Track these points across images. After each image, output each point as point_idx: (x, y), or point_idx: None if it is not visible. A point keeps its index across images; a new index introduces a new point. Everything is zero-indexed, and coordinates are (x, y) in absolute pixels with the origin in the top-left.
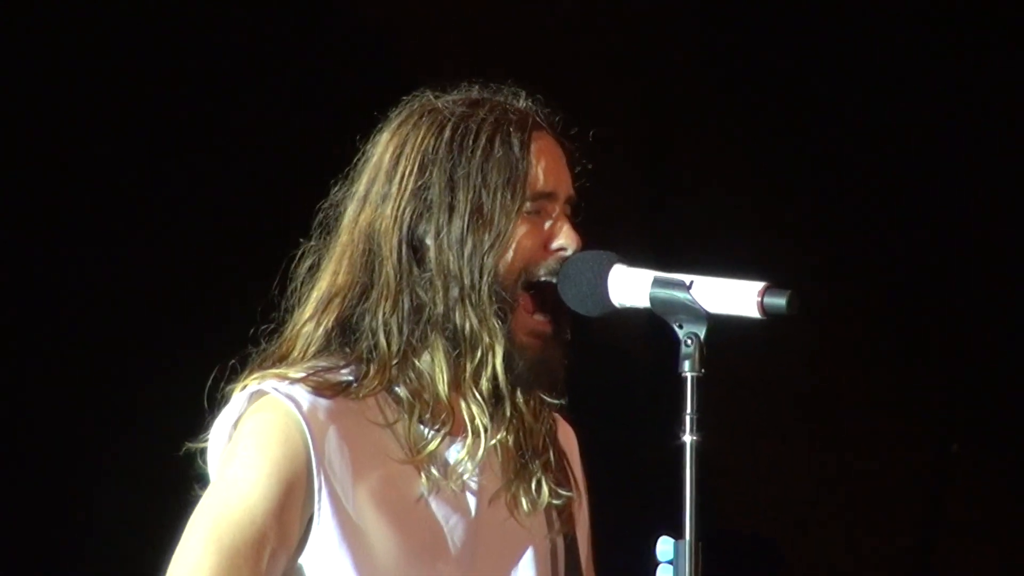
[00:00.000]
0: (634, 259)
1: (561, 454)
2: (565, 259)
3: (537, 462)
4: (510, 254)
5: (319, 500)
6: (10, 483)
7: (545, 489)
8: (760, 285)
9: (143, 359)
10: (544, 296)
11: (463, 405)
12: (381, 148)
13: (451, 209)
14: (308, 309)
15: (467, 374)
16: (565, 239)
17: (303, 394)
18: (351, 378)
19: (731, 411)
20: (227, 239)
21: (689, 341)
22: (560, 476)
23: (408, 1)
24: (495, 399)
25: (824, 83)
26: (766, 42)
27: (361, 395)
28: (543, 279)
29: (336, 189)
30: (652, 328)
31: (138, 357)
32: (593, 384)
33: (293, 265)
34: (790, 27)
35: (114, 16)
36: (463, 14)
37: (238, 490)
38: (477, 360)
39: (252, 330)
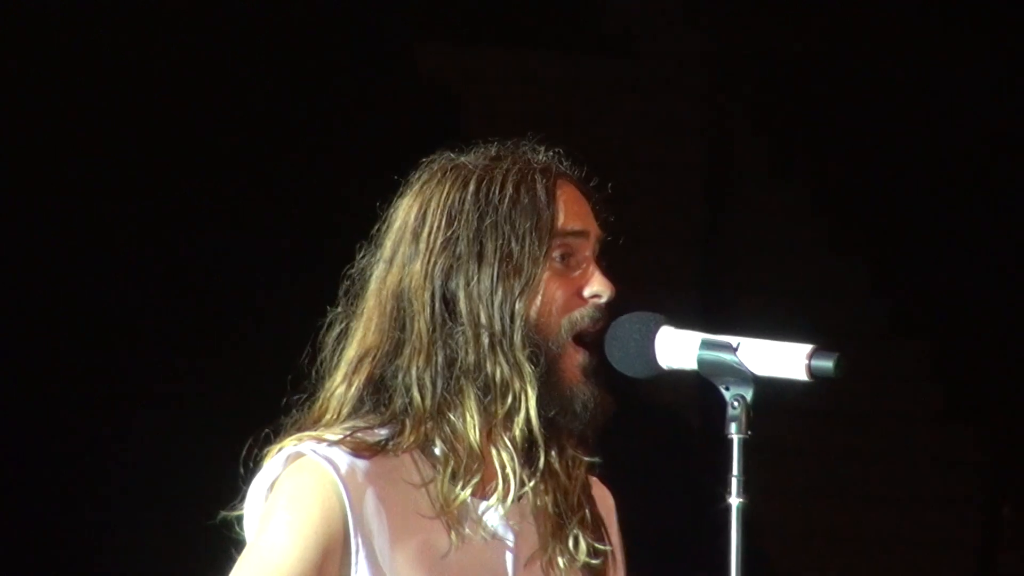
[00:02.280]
0: (685, 320)
1: (598, 518)
2: (602, 306)
3: (574, 520)
4: (540, 300)
5: (356, 563)
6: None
7: (583, 545)
8: (808, 348)
9: (179, 431)
10: (592, 348)
11: (494, 453)
12: (404, 210)
13: (480, 259)
14: (339, 373)
15: (498, 420)
16: (599, 286)
17: (341, 456)
18: (387, 436)
19: (780, 473)
20: (257, 308)
21: (736, 403)
22: (596, 536)
23: (468, 61)
24: (528, 447)
25: (883, 147)
26: (823, 107)
27: (398, 453)
28: (591, 330)
29: (361, 255)
30: (701, 389)
31: (174, 429)
32: (640, 446)
33: (322, 333)
34: (849, 91)
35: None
36: (519, 72)
37: (275, 553)
38: (508, 406)
39: (284, 400)
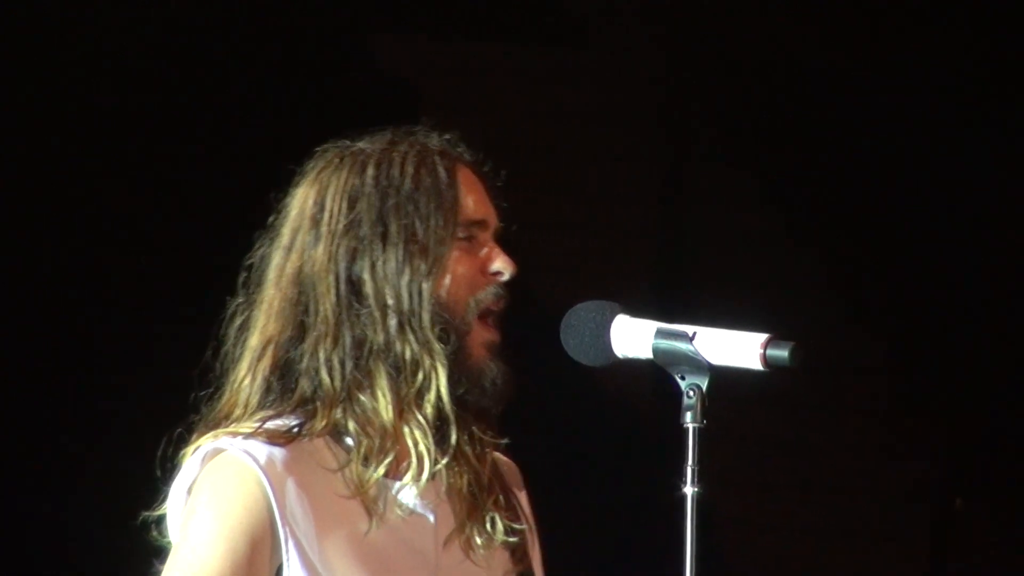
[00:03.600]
0: (641, 310)
1: (510, 493)
2: (504, 284)
3: (488, 500)
4: (448, 280)
5: (286, 551)
6: None
7: (500, 526)
8: (763, 337)
9: (89, 436)
10: (497, 321)
11: (406, 431)
12: (301, 199)
13: (384, 240)
14: (243, 364)
15: (410, 398)
16: (501, 264)
17: (258, 447)
18: (298, 423)
19: (733, 463)
20: (159, 303)
21: (691, 392)
22: (511, 514)
23: (422, 53)
24: (440, 424)
25: (838, 139)
26: (779, 98)
27: (312, 439)
28: (495, 308)
29: (258, 246)
30: (656, 378)
31: (84, 434)
32: (595, 434)
33: (223, 325)
34: (805, 81)
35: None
36: (473, 63)
37: (203, 549)
38: (419, 384)
39: (192, 396)
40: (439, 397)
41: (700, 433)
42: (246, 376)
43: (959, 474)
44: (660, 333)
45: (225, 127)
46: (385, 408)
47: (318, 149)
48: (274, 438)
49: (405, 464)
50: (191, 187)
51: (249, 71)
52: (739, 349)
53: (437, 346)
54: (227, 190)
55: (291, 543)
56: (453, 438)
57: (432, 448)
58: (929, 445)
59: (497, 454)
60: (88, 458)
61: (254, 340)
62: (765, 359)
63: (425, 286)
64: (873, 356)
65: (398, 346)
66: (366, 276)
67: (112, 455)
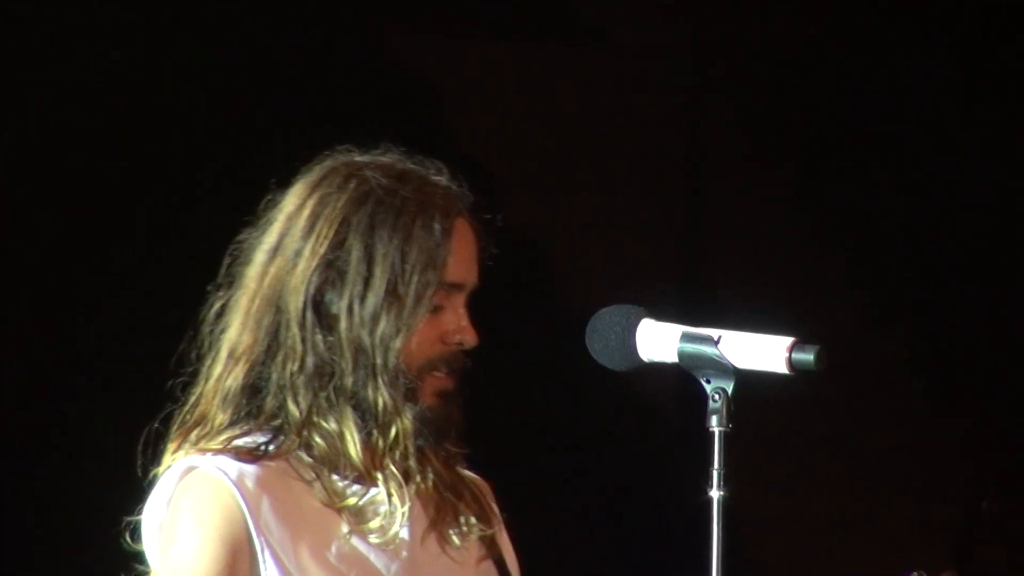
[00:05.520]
0: (665, 313)
1: (478, 498)
2: (462, 352)
3: (456, 499)
4: (414, 338)
5: (263, 560)
6: None
7: (472, 519)
8: (788, 340)
9: (70, 426)
10: (452, 370)
11: (380, 478)
12: (298, 201)
13: (366, 283)
14: (217, 367)
15: (381, 450)
16: (463, 337)
17: (229, 463)
18: (265, 439)
19: (759, 465)
20: (140, 289)
21: (717, 396)
22: (478, 508)
23: (442, 52)
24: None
25: (863, 139)
26: (803, 98)
27: (280, 456)
28: (446, 369)
29: (246, 234)
30: (681, 382)
31: (64, 424)
32: (621, 439)
33: (202, 311)
34: (829, 82)
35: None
36: (494, 63)
37: (188, 561)
38: (392, 438)
39: (169, 383)
40: (406, 449)
41: (726, 437)
42: (218, 383)
43: (986, 476)
44: (685, 337)
45: (236, 123)
46: (355, 451)
47: (327, 153)
48: (241, 454)
49: (380, 486)
50: (194, 182)
51: (263, 68)
52: (764, 353)
53: (404, 403)
54: (235, 186)
55: (267, 552)
56: (415, 464)
57: (406, 496)
58: (956, 445)
59: (467, 472)
60: (65, 458)
61: (231, 343)
62: (791, 363)
63: (397, 342)
64: (899, 357)
65: (369, 394)
66: (338, 312)
67: (89, 452)
